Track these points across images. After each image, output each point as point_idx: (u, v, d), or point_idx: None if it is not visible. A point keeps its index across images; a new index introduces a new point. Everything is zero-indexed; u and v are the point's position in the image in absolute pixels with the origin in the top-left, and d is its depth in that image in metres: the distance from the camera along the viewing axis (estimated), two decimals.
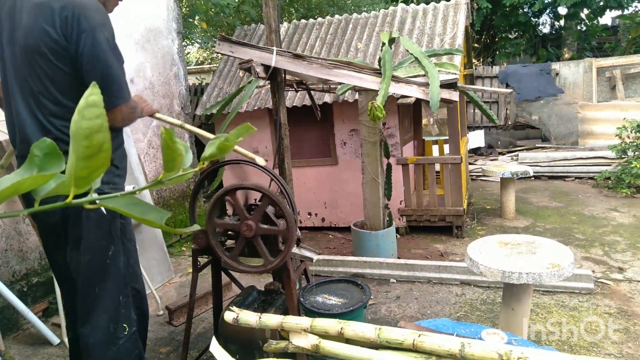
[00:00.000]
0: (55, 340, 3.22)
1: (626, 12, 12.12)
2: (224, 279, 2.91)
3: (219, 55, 9.68)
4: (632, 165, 6.29)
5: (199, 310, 3.70)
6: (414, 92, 2.86)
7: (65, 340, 3.18)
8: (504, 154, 9.04)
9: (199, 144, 6.63)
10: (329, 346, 1.73)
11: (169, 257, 4.52)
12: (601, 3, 11.43)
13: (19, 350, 3.18)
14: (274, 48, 2.61)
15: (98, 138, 0.61)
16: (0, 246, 3.38)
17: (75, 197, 0.65)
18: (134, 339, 2.01)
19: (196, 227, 0.74)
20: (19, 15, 1.79)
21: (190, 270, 4.06)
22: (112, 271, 1.92)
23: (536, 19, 12.91)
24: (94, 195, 0.68)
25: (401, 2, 10.94)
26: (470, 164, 8.22)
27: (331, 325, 1.77)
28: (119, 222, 1.94)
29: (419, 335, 1.65)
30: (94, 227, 1.85)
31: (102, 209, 1.82)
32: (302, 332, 1.80)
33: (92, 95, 0.61)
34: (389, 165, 4.54)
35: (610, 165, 7.27)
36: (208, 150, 0.72)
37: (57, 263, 2.09)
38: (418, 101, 5.73)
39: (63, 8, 1.73)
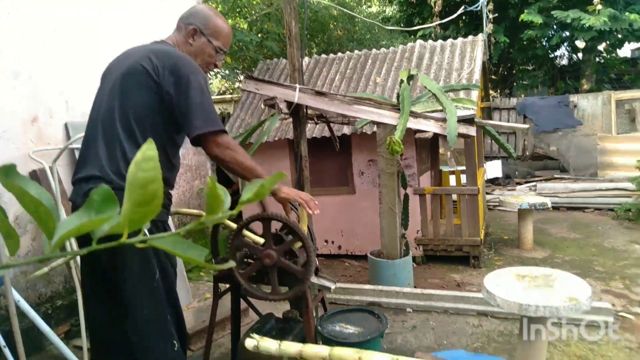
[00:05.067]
0: None
1: None
2: (242, 305, 2.96)
3: (239, 85, 9.95)
4: None
5: (217, 336, 3.74)
6: (431, 127, 2.96)
7: None
8: (521, 184, 9.00)
9: (220, 173, 6.78)
10: None
11: (188, 283, 4.60)
12: (619, 36, 11.48)
13: None
14: (297, 85, 2.74)
15: (153, 187, 0.70)
16: (28, 270, 3.50)
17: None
18: (180, 354, 2.12)
19: (232, 264, 0.82)
20: None
21: (209, 295, 4.12)
22: (159, 295, 2.02)
23: (553, 52, 12.99)
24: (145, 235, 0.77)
25: (419, 37, 11.16)
26: (487, 193, 8.20)
27: (349, 354, 1.82)
28: None
29: None
30: (139, 252, 1.93)
31: (147, 233, 1.92)
32: None
33: (149, 150, 0.70)
34: (406, 196, 4.60)
35: (630, 197, 7.19)
36: (245, 195, 0.81)
37: (95, 309, 2.16)
38: (435, 133, 5.82)
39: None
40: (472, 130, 2.93)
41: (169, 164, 2.14)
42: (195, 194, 5.76)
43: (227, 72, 8.80)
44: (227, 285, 2.83)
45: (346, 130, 5.14)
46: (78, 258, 3.38)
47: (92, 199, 0.77)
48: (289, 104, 2.73)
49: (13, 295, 3.11)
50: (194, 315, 4.24)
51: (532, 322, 2.72)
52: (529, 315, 2.52)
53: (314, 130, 5.32)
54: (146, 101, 1.96)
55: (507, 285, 2.76)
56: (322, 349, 1.88)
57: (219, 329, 3.81)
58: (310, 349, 1.89)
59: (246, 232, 2.53)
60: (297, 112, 2.86)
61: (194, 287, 4.92)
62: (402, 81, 3.09)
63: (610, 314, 3.64)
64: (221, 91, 12.86)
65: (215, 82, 12.64)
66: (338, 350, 1.86)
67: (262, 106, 5.70)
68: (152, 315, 2.01)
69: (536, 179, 9.26)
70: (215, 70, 9.87)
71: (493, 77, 12.50)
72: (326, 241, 5.83)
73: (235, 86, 12.13)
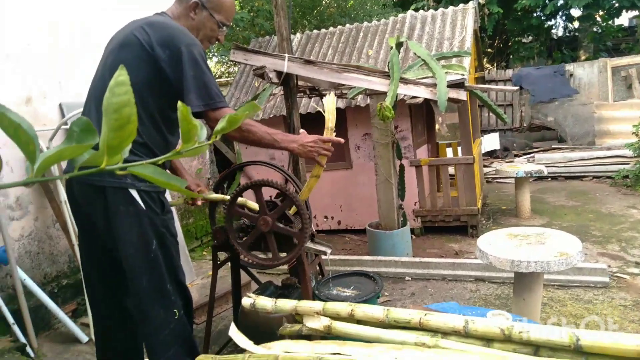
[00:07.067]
0: (84, 338, 3.39)
1: None
2: (243, 279, 3.01)
3: (236, 69, 9.93)
4: None
5: (220, 309, 3.82)
6: (421, 93, 2.97)
7: (94, 337, 3.34)
8: (520, 156, 9.03)
9: (218, 153, 6.81)
10: (340, 327, 1.83)
11: (191, 261, 4.68)
12: (616, 4, 11.36)
13: (51, 348, 3.35)
14: (286, 55, 2.75)
15: (126, 111, 0.74)
16: (32, 249, 3.57)
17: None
18: (183, 322, 2.11)
19: (211, 195, 0.86)
20: None
21: (211, 273, 4.19)
22: (157, 264, 2.00)
23: (549, 22, 12.88)
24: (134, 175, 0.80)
25: (412, 9, 11.07)
26: (485, 166, 8.24)
27: (342, 307, 1.87)
28: (161, 217, 2.02)
29: (425, 314, 1.74)
30: (135, 223, 1.93)
31: (142, 204, 1.93)
32: (315, 315, 1.90)
33: (121, 75, 0.74)
34: (401, 167, 4.63)
35: (628, 163, 7.21)
36: (219, 125, 0.85)
37: (96, 283, 2.19)
38: (430, 105, 5.82)
39: None
40: (462, 95, 2.94)
41: (164, 142, 2.07)
42: (194, 174, 5.80)
43: (222, 55, 8.79)
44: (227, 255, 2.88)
45: (340, 104, 5.15)
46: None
47: (72, 130, 0.81)
48: (279, 73, 2.75)
49: (19, 274, 3.19)
50: (198, 292, 4.32)
51: (525, 279, 2.78)
52: (520, 271, 2.58)
53: (307, 105, 5.34)
54: (141, 75, 1.91)
55: (500, 244, 2.81)
56: (316, 304, 1.93)
57: (222, 303, 3.88)
58: (305, 304, 1.94)
59: (247, 203, 2.56)
60: (287, 82, 2.88)
61: (196, 266, 5.00)
62: (391, 48, 3.10)
63: (606, 275, 3.70)
64: (217, 75, 12.85)
65: (211, 66, 12.62)
66: (332, 305, 1.91)
67: (256, 84, 5.72)
68: (151, 285, 2.02)
69: (534, 150, 9.28)
70: (211, 53, 9.83)
71: (489, 50, 12.44)
72: (326, 217, 5.89)
73: (231, 70, 12.11)
